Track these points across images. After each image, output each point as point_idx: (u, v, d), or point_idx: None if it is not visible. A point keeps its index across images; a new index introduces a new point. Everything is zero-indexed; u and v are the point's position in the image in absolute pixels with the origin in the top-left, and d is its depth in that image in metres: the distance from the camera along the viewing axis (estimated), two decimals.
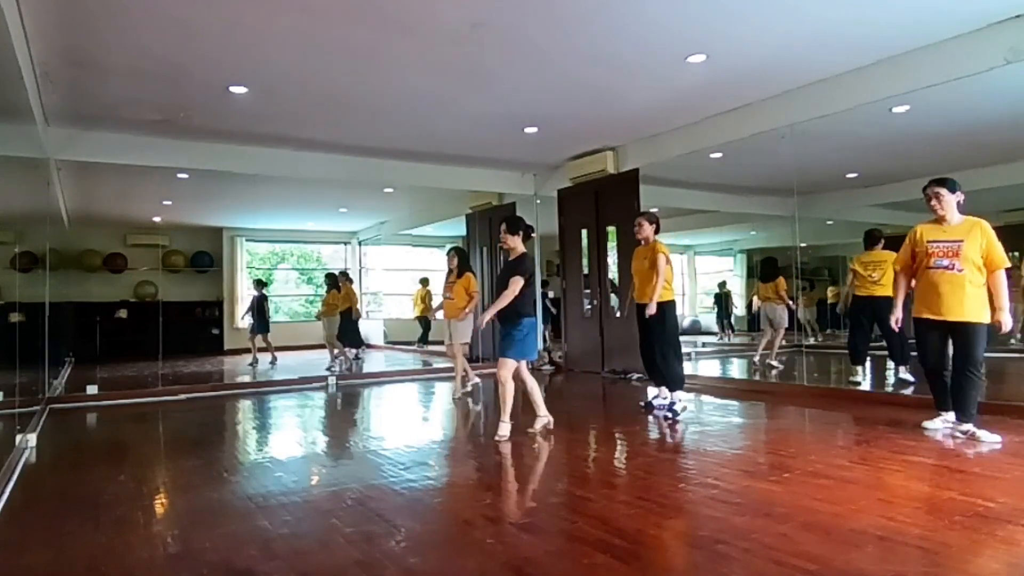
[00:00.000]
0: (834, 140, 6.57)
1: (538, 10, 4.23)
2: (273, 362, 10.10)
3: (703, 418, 5.10)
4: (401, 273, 14.77)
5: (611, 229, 8.10)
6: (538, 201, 9.14)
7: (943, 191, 4.01)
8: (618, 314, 8.12)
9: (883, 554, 2.24)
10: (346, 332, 9.86)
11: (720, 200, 9.55)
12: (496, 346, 4.52)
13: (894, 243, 6.92)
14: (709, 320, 13.01)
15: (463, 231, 11.00)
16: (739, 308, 12.82)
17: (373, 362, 10.79)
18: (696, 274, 13.14)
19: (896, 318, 4.22)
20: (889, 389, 6.30)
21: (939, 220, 4.06)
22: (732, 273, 13.19)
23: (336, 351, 9.75)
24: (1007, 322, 3.84)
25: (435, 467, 3.70)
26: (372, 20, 4.31)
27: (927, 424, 4.19)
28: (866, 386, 6.29)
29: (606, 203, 8.07)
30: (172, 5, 4.03)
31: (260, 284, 10.54)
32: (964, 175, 7.66)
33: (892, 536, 2.38)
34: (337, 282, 9.90)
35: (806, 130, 5.85)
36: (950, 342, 4.00)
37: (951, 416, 4.06)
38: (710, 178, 8.66)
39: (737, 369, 9.32)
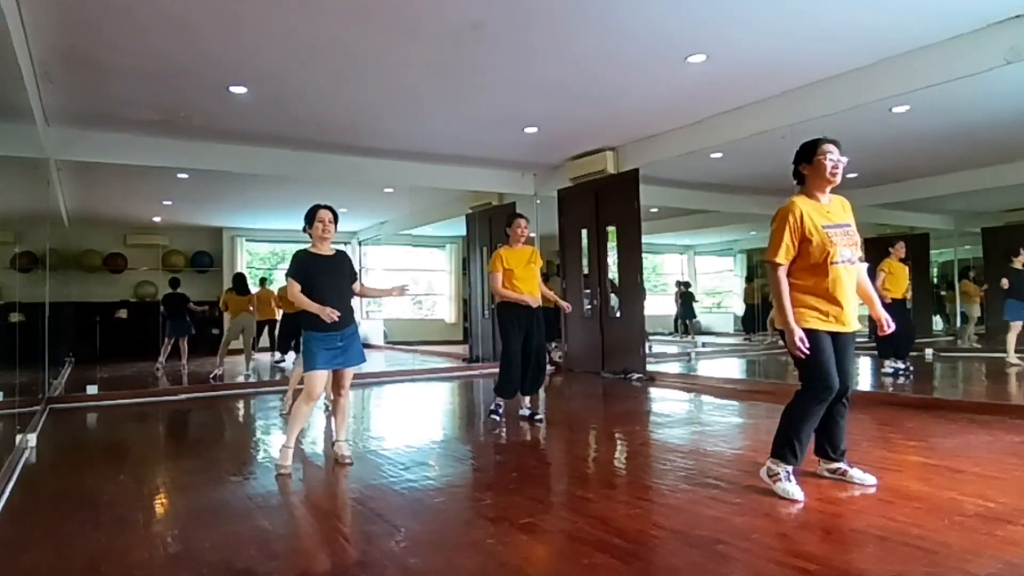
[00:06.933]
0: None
1: (538, 10, 4.23)
2: (280, 361, 10.12)
3: (703, 418, 5.10)
4: (401, 273, 14.75)
5: (611, 229, 8.10)
6: (538, 201, 9.13)
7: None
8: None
9: (883, 554, 2.23)
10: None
11: (720, 200, 9.55)
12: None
13: (888, 244, 6.97)
14: (710, 320, 13.03)
15: (463, 231, 11.00)
16: (738, 308, 12.82)
17: (373, 362, 10.77)
18: (696, 274, 13.14)
19: (791, 335, 2.93)
20: (890, 389, 6.30)
21: (814, 195, 3.09)
22: (732, 273, 13.20)
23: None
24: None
25: (435, 467, 3.69)
26: (372, 20, 4.31)
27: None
28: (866, 387, 6.29)
29: (606, 203, 8.08)
30: (172, 5, 4.03)
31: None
32: (964, 175, 7.73)
33: (892, 536, 2.37)
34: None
35: (806, 130, 5.82)
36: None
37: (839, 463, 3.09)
38: (710, 178, 8.66)
39: (736, 369, 9.33)
